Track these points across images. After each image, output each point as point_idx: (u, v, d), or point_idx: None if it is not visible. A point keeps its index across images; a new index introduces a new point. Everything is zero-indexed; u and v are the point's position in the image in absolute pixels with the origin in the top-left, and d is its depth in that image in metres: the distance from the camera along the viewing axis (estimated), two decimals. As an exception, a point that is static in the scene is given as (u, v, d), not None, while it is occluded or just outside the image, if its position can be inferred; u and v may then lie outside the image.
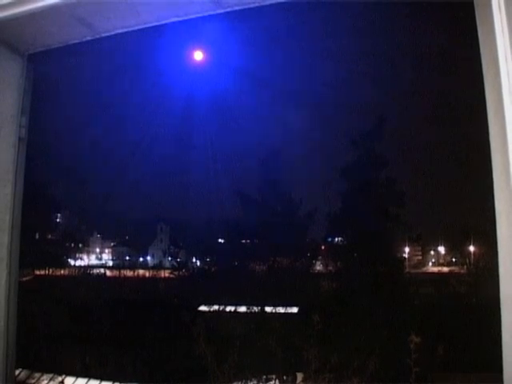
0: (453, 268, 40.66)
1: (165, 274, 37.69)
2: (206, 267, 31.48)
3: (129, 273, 43.21)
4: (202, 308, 19.33)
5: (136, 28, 1.75)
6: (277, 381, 11.66)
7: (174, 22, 1.69)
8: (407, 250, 42.53)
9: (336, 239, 26.69)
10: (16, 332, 1.90)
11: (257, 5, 1.59)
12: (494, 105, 1.36)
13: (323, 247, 28.55)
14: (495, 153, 1.34)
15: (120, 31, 1.77)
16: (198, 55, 17.99)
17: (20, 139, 1.93)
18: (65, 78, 35.62)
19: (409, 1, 14.17)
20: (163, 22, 1.72)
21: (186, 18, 1.68)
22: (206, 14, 1.67)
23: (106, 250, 63.83)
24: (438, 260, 56.47)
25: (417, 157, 48.23)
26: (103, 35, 1.80)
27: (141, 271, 44.38)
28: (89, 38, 1.82)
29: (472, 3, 1.43)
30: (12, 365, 1.90)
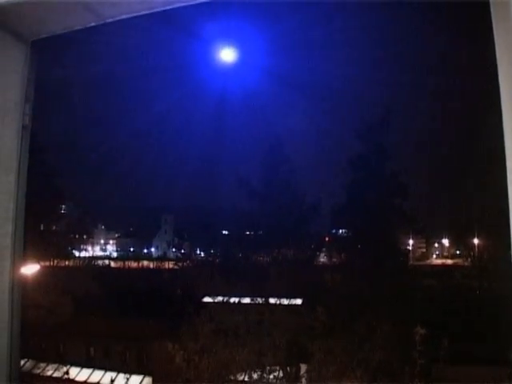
0: (457, 260, 40.53)
1: (169, 265, 37.82)
2: (210, 259, 31.64)
3: (133, 264, 43.42)
4: (206, 299, 19.41)
5: (142, 13, 1.71)
6: (280, 372, 11.68)
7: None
8: (411, 242, 42.36)
9: (340, 231, 26.69)
10: (20, 323, 1.89)
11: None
12: (508, 102, 1.34)
13: (327, 239, 28.54)
14: (509, 149, 1.33)
15: (125, 16, 1.73)
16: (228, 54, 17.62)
17: (24, 127, 1.91)
18: (87, 75, 36.02)
19: (425, 0, 14.05)
20: (170, 7, 1.67)
21: (194, 2, 1.63)
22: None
23: (111, 242, 64.13)
24: (442, 252, 56.44)
25: (422, 150, 48.11)
26: (108, 21, 1.76)
27: (145, 262, 44.55)
28: (93, 24, 1.78)
29: (487, 2, 1.41)
30: (17, 356, 1.89)
